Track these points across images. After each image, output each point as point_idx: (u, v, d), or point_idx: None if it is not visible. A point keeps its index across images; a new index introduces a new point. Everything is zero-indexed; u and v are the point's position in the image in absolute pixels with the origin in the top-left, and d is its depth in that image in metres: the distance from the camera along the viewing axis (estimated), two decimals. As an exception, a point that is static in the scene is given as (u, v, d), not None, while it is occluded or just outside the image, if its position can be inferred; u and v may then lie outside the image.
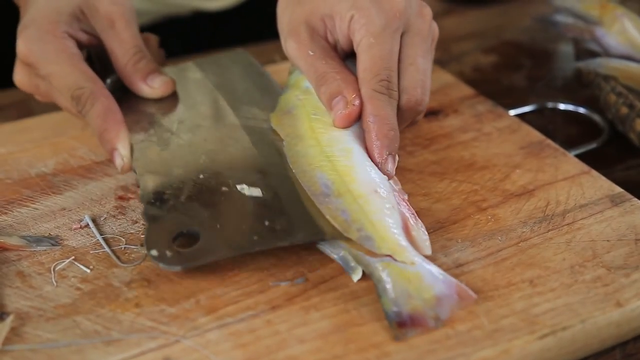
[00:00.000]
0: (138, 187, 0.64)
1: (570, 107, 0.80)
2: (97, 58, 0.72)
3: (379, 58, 0.63)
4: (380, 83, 0.62)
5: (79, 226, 0.61)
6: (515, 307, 0.54)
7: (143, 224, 0.61)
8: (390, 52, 0.63)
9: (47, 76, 0.66)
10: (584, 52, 0.80)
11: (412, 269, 0.54)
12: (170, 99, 0.70)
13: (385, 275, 0.54)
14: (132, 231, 0.61)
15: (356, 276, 0.56)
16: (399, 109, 0.64)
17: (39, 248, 0.59)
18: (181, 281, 0.56)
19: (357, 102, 0.62)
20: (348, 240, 0.56)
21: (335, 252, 0.57)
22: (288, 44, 0.67)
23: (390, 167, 0.61)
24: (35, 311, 0.54)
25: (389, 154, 0.61)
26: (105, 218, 0.62)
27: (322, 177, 0.60)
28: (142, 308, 0.54)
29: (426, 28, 0.66)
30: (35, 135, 0.71)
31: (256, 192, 0.60)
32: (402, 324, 0.52)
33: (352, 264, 0.56)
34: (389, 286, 0.54)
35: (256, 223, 0.57)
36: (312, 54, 0.65)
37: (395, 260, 0.55)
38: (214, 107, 0.70)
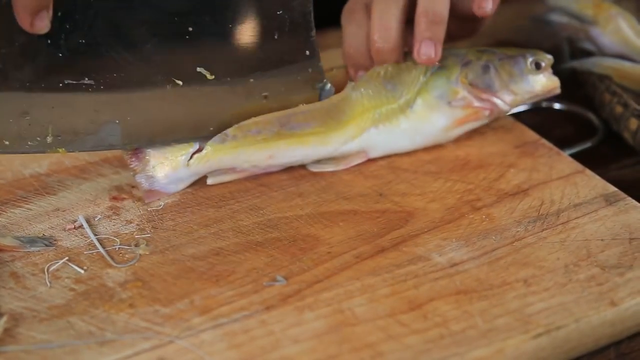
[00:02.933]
0: (133, 187, 0.63)
1: (564, 107, 0.80)
2: None
3: None
4: None
5: (73, 227, 0.61)
6: (509, 306, 0.54)
7: (137, 224, 0.61)
8: None
9: None
10: (578, 52, 0.80)
11: None
12: None
13: None
14: (126, 231, 0.60)
15: None
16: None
17: (32, 249, 0.59)
18: (175, 281, 0.56)
19: None
20: None
21: None
22: None
23: (424, 50, 0.65)
24: (29, 312, 0.54)
25: (429, 38, 0.65)
26: (99, 218, 0.62)
27: None
28: (136, 308, 0.54)
29: None
30: (29, 135, 0.71)
31: None
32: None
33: None
34: None
35: None
36: None
37: None
38: None
